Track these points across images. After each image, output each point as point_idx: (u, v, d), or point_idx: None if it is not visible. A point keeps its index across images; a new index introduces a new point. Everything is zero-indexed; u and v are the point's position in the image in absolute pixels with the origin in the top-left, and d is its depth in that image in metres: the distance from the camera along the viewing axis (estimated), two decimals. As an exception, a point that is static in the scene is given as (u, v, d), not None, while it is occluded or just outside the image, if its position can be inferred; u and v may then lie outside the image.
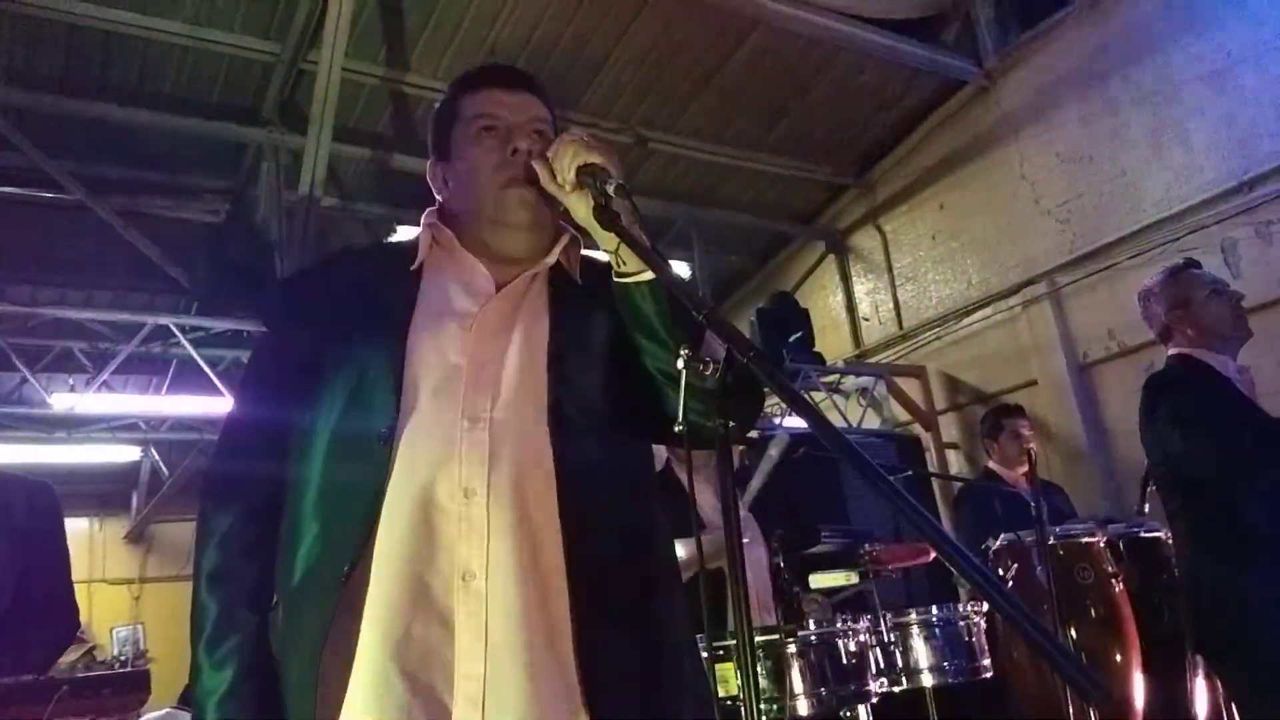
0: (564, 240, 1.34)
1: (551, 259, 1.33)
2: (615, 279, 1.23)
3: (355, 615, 1.11)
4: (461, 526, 1.13)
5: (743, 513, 3.12)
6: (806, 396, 7.31)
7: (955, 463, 7.06)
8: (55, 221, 5.82)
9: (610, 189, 1.15)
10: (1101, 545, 3.30)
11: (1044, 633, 0.71)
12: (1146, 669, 3.08)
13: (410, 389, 1.18)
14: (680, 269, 7.62)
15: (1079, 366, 6.19)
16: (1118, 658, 3.10)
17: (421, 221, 1.35)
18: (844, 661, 2.63)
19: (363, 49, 5.57)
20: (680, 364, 1.03)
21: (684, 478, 2.36)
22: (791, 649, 2.61)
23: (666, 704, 1.16)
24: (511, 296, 1.28)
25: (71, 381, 5.15)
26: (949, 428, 7.16)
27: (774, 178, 7.56)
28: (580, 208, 1.21)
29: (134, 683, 1.98)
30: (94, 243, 5.73)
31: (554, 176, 1.23)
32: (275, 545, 1.21)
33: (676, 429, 1.04)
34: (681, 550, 1.38)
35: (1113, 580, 3.22)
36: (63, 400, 4.72)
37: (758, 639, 2.73)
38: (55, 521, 2.31)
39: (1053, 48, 6.36)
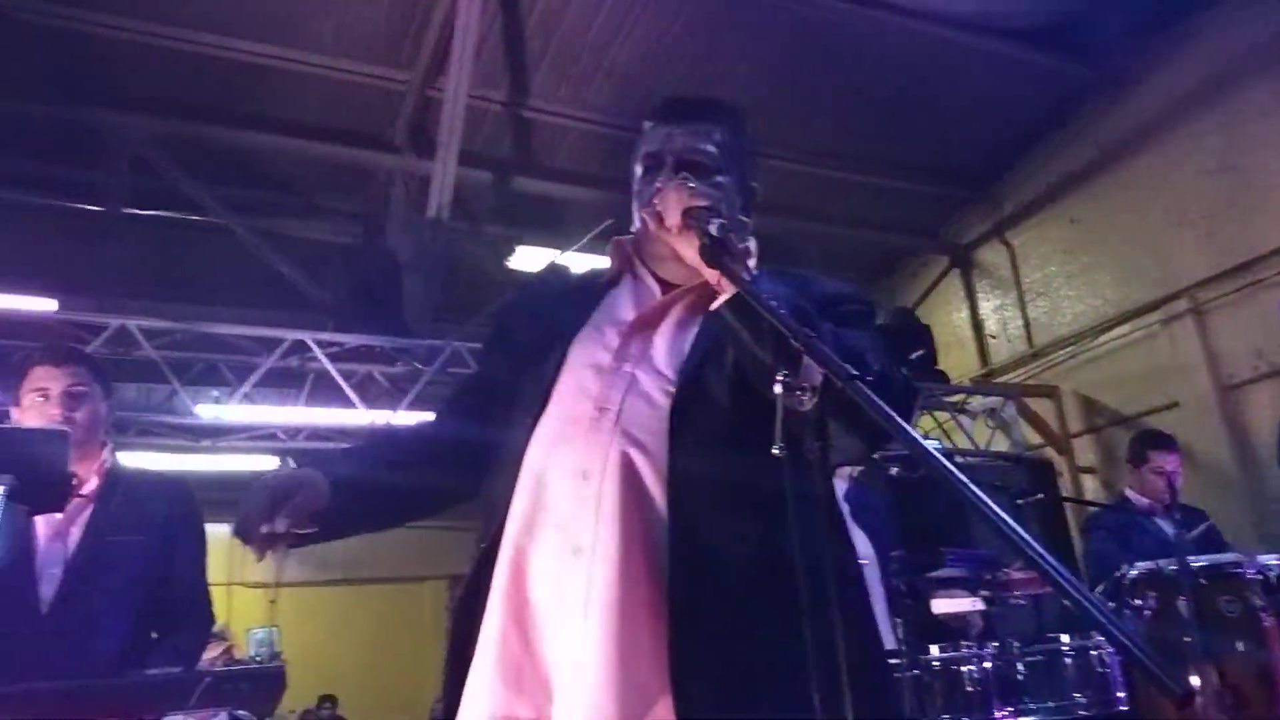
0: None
1: (702, 279, 1.37)
2: (720, 307, 1.27)
3: (489, 579, 1.22)
4: (576, 505, 1.21)
5: (858, 532, 3.07)
6: (929, 418, 7.13)
7: (1091, 488, 6.74)
8: (202, 243, 6.23)
9: (713, 229, 1.21)
10: (1250, 576, 3.08)
11: (1147, 653, 0.69)
12: (1300, 709, 2.86)
13: (561, 382, 1.30)
14: (797, 286, 7.52)
15: (1224, 387, 5.83)
16: (1265, 694, 2.89)
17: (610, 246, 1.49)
18: (967, 689, 2.55)
19: (486, 76, 5.76)
20: (777, 389, 1.04)
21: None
22: (912, 674, 2.55)
23: (763, 706, 1.15)
24: (666, 308, 1.37)
25: (216, 394, 5.48)
26: (1084, 451, 6.85)
27: (893, 191, 7.43)
28: (687, 249, 1.27)
29: (271, 678, 2.07)
30: (238, 263, 6.10)
31: (663, 222, 1.29)
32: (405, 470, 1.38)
33: (774, 451, 1.04)
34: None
35: (1261, 614, 3.01)
36: (208, 411, 5.02)
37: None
38: (193, 519, 2.39)
39: (1192, 52, 6.03)
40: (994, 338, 7.65)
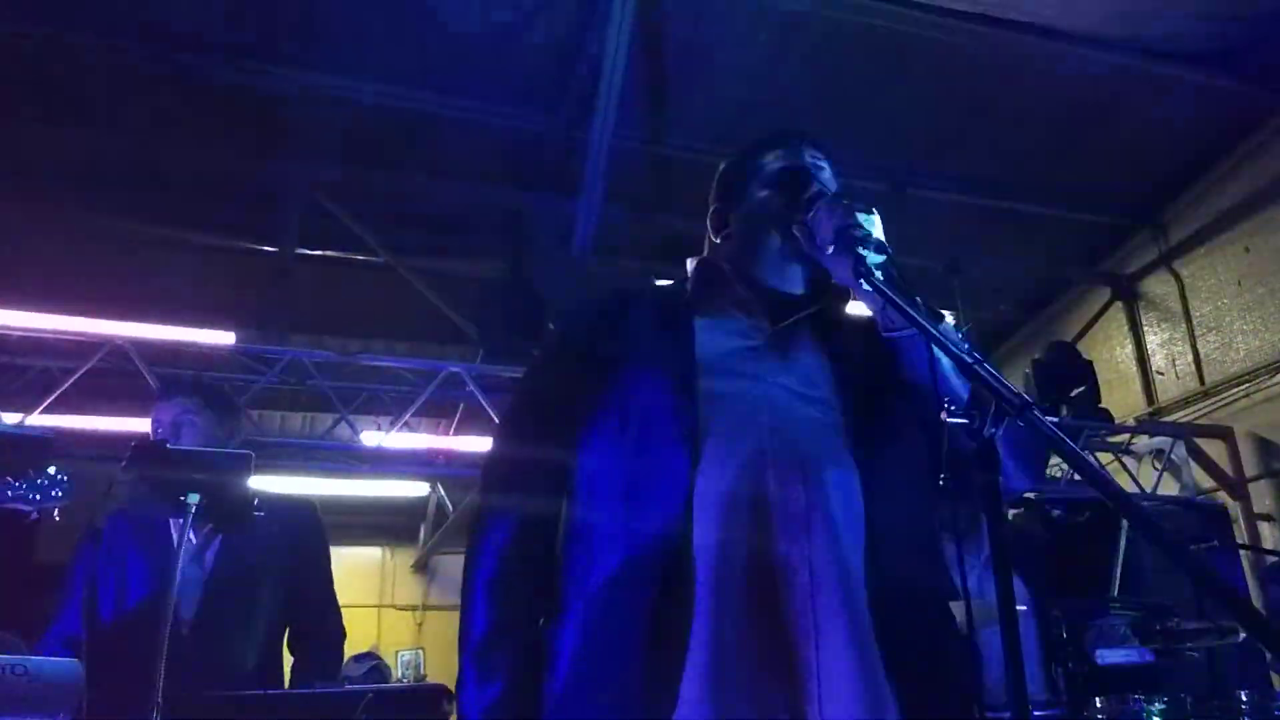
0: (833, 291, 1.40)
1: (820, 305, 1.39)
2: (884, 334, 1.28)
3: (682, 612, 1.14)
4: (781, 532, 1.18)
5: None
6: (1089, 457, 6.75)
7: (1269, 536, 6.22)
8: (366, 280, 6.60)
9: (870, 250, 1.18)
10: None
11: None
12: None
13: (713, 406, 1.25)
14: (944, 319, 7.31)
15: None
16: None
17: (691, 264, 1.46)
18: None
19: (629, 116, 5.90)
20: (944, 416, 1.02)
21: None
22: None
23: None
24: (787, 334, 1.36)
25: (378, 422, 5.79)
26: (1262, 496, 6.33)
27: (1049, 221, 7.14)
28: (840, 268, 1.26)
29: (430, 697, 2.14)
30: (397, 299, 6.43)
31: (814, 238, 1.28)
32: (549, 560, 1.27)
33: (940, 482, 1.03)
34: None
35: None
36: (372, 439, 5.30)
37: (1036, 713, 2.55)
38: (320, 539, 2.51)
39: (1379, 71, 5.58)
40: (1161, 374, 7.19)
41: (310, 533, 2.47)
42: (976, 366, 0.99)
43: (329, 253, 6.33)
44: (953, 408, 1.02)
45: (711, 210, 1.51)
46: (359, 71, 5.51)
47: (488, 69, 5.62)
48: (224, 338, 5.10)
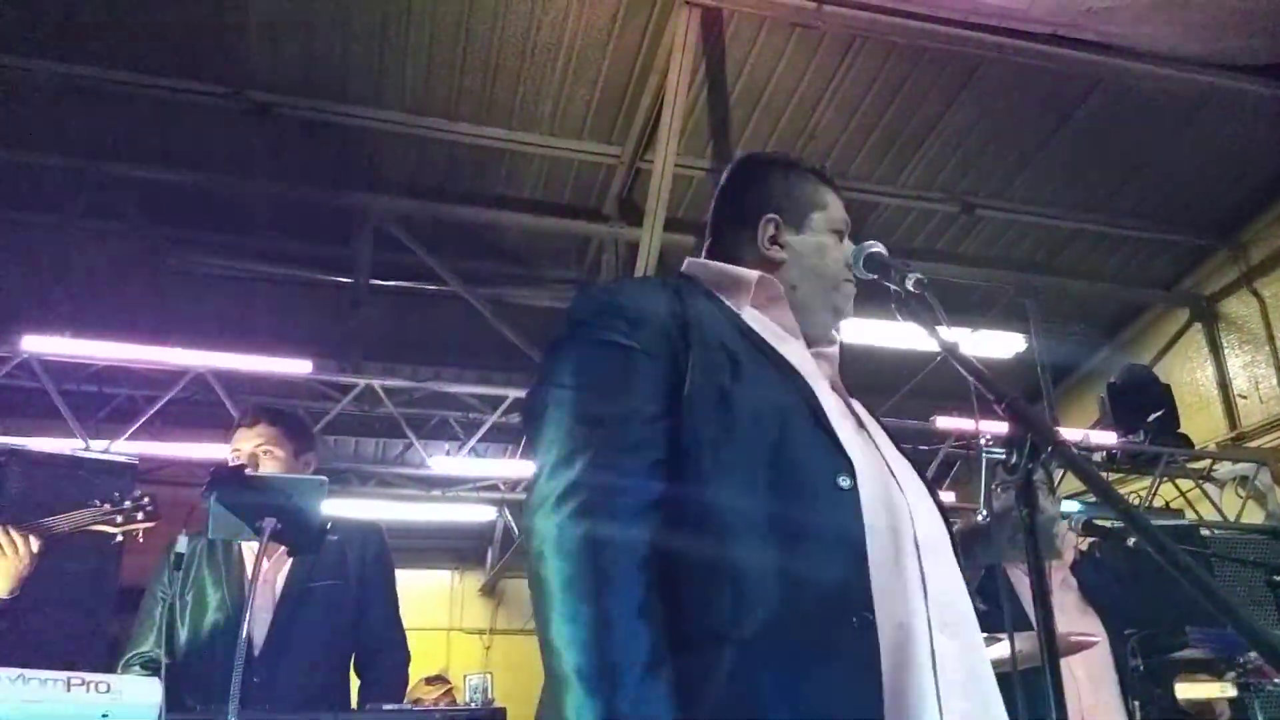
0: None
1: (837, 343, 1.44)
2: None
3: (889, 667, 1.06)
4: (927, 568, 1.14)
5: (1088, 610, 2.86)
6: (1171, 485, 6.53)
7: (1366, 567, 5.92)
8: (436, 310, 6.76)
9: (909, 284, 1.22)
10: None
11: None
12: None
13: (843, 439, 1.18)
14: (1014, 342, 7.18)
15: None
16: None
17: (742, 273, 1.38)
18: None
19: (692, 145, 5.97)
20: (982, 452, 1.04)
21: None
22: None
23: None
24: (828, 367, 1.39)
25: (447, 447, 5.91)
26: (1355, 525, 6.05)
27: (1124, 241, 6.99)
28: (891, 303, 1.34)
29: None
30: (467, 327, 6.57)
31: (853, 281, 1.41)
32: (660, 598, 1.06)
33: (980, 517, 1.04)
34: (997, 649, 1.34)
35: None
36: (440, 464, 5.42)
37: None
38: (385, 563, 2.55)
39: None
40: (1244, 398, 6.94)
41: (377, 556, 2.53)
42: (1010, 401, 1.00)
43: (401, 283, 6.50)
44: (987, 441, 1.03)
45: (766, 216, 1.43)
46: (433, 109, 5.68)
47: (554, 104, 5.76)
48: (301, 366, 5.27)
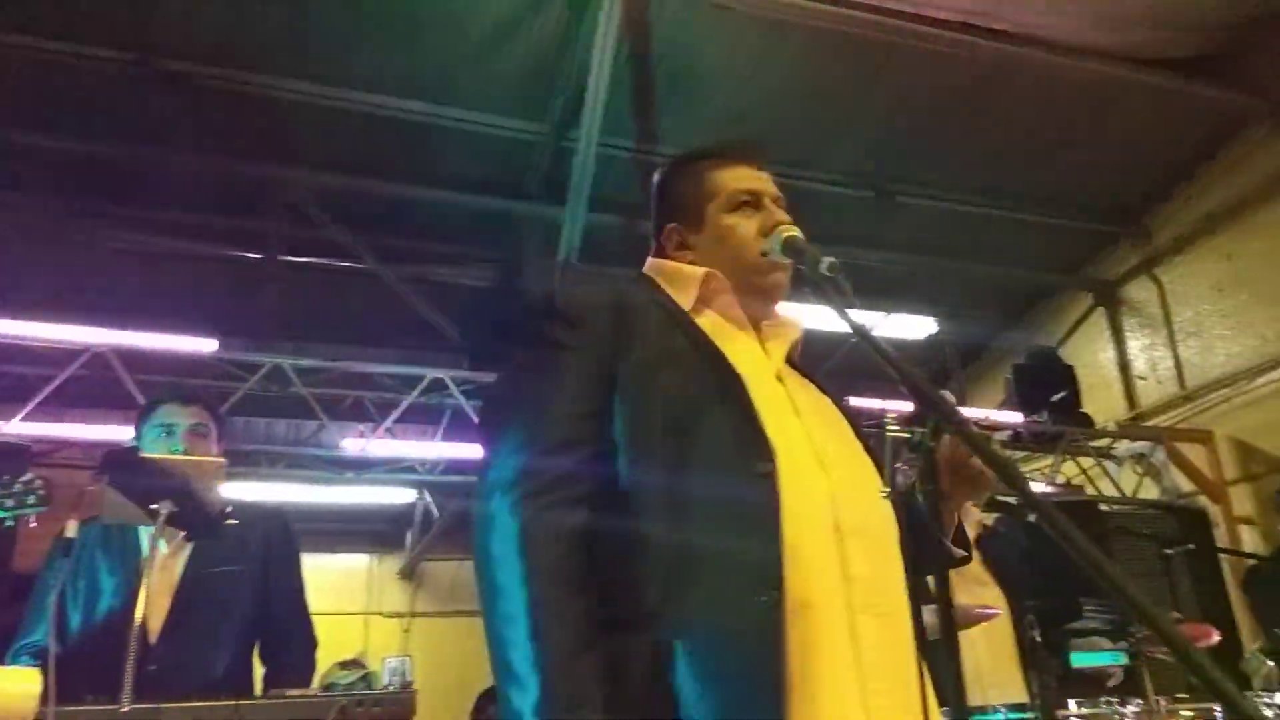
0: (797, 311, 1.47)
1: (799, 330, 1.45)
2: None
3: (784, 655, 1.09)
4: (855, 562, 1.17)
5: (983, 578, 2.96)
6: (1073, 463, 6.79)
7: (1250, 540, 6.26)
8: (350, 287, 6.60)
9: (823, 268, 1.24)
10: None
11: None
12: None
13: (769, 426, 1.22)
14: (927, 325, 7.36)
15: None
16: None
17: (685, 270, 1.43)
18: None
19: (616, 124, 5.92)
20: (886, 430, 1.06)
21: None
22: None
23: None
24: (783, 352, 1.40)
25: (361, 429, 5.79)
26: (1242, 500, 6.38)
27: (1034, 227, 7.19)
28: (783, 281, 1.40)
29: (402, 702, 2.15)
30: (384, 306, 6.44)
31: (773, 257, 1.37)
32: (591, 589, 1.15)
33: (881, 493, 1.07)
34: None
35: None
36: (353, 445, 5.30)
37: (1013, 716, 2.57)
38: (292, 546, 2.51)
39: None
40: (1142, 379, 7.25)
41: (282, 541, 2.47)
42: (917, 379, 1.02)
43: (315, 259, 6.33)
44: (889, 420, 1.05)
45: (668, 227, 1.51)
46: (352, 80, 5.52)
47: (477, 79, 5.65)
48: (206, 344, 5.09)
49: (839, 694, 1.09)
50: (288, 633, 2.45)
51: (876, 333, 1.19)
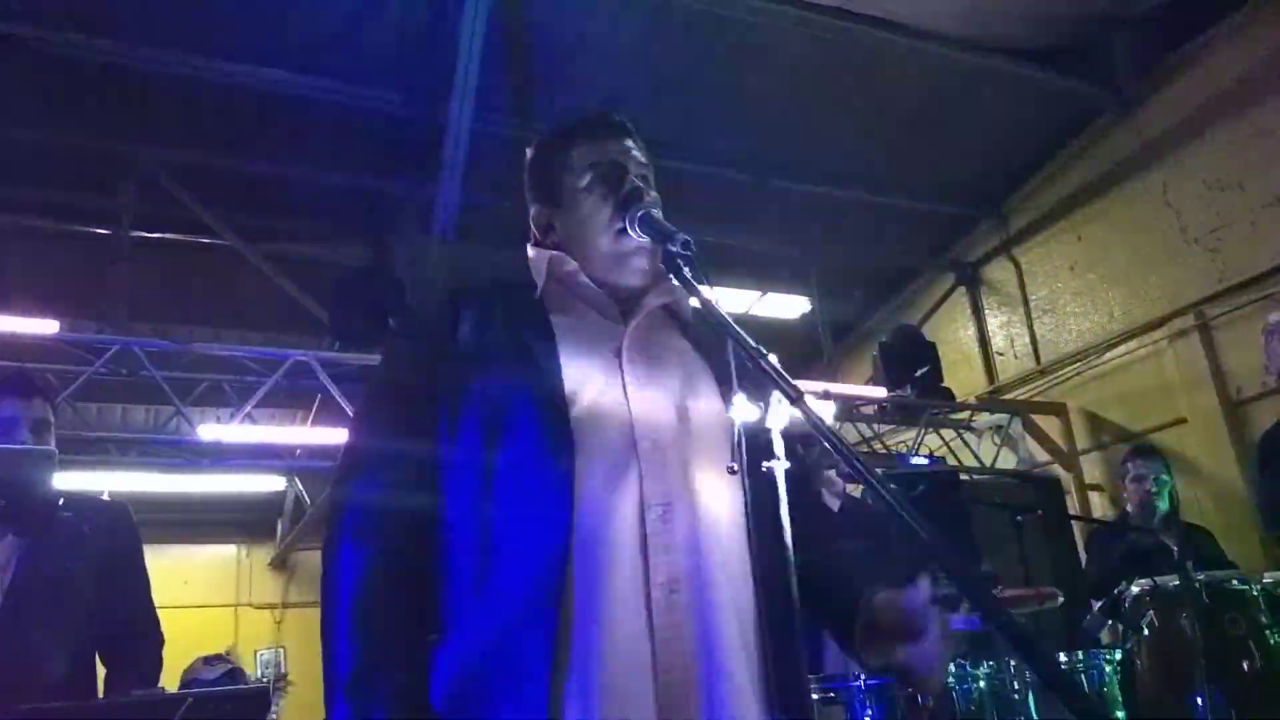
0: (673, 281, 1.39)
1: (667, 297, 1.40)
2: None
3: (571, 638, 1.11)
4: (660, 541, 1.16)
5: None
6: (935, 435, 7.07)
7: (1099, 505, 6.68)
8: (211, 266, 6.30)
9: (676, 244, 1.21)
10: (1255, 593, 3.05)
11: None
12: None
13: (580, 417, 1.20)
14: (800, 304, 7.56)
15: (1231, 403, 5.79)
16: (1273, 714, 2.86)
17: (536, 256, 1.41)
18: (960, 707, 2.54)
19: (492, 101, 5.80)
20: (729, 409, 1.07)
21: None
22: (905, 693, 2.53)
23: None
24: (644, 328, 1.36)
25: (218, 414, 5.53)
26: (1092, 468, 6.80)
27: (901, 211, 7.44)
28: (643, 261, 1.34)
29: (254, 699, 2.09)
30: (247, 286, 6.16)
31: (629, 233, 1.32)
32: (421, 581, 1.20)
33: (728, 468, 1.08)
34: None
35: (1267, 631, 2.97)
36: (209, 431, 5.05)
37: (867, 684, 2.65)
38: (134, 543, 2.39)
39: (1198, 72, 6.05)
40: (1001, 355, 7.62)
41: (123, 536, 2.34)
42: (761, 356, 1.02)
43: (171, 236, 6.00)
44: (739, 396, 1.06)
45: (533, 212, 1.48)
46: (208, 48, 5.22)
47: (345, 50, 5.43)
48: (46, 326, 4.76)
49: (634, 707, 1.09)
50: (131, 631, 2.33)
51: (753, 312, 1.19)
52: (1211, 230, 5.93)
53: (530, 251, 1.44)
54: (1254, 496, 2.51)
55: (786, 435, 1.34)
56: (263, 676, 7.65)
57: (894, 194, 7.22)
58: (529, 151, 1.55)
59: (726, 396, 1.25)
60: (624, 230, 1.34)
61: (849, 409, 6.69)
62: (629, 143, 1.45)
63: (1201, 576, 3.09)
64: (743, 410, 1.08)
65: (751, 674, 1.15)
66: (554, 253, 1.39)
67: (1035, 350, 7.26)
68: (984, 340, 7.76)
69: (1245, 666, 2.94)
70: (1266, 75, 5.59)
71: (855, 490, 3.74)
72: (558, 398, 1.21)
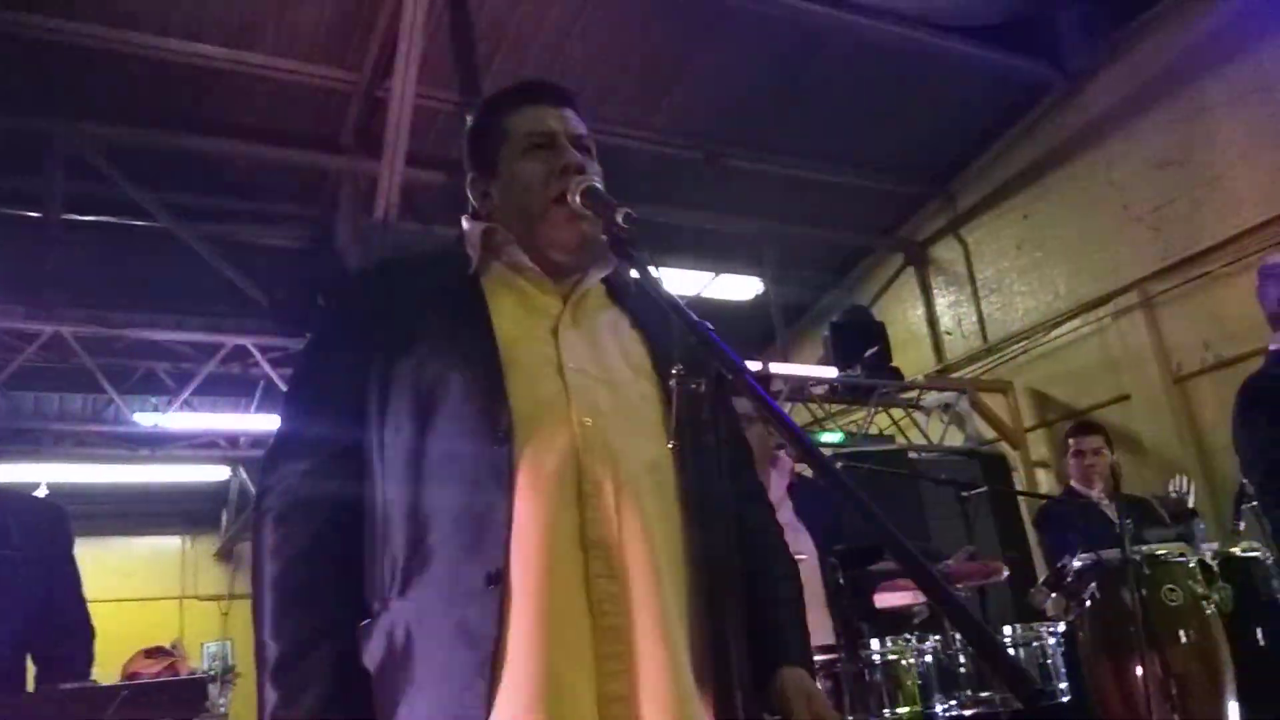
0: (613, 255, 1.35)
1: (606, 270, 1.35)
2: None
3: (506, 618, 1.09)
4: (598, 518, 1.14)
5: (801, 530, 3.05)
6: (885, 414, 7.14)
7: (1045, 482, 6.80)
8: (145, 249, 6.09)
9: (619, 218, 1.16)
10: (1192, 565, 3.11)
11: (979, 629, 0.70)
12: (1241, 695, 2.89)
13: (517, 395, 1.18)
14: (753, 285, 7.56)
15: (1173, 379, 5.91)
16: (1209, 683, 2.91)
17: (470, 228, 1.36)
18: (908, 682, 2.55)
19: (435, 76, 5.69)
20: (672, 382, 1.04)
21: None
22: (853, 669, 2.54)
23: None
24: (581, 303, 1.32)
25: (155, 401, 5.36)
26: (1038, 445, 6.92)
27: (852, 191, 7.47)
28: (587, 232, 1.28)
29: (191, 690, 2.04)
30: (183, 269, 5.97)
31: (567, 204, 1.27)
32: (349, 564, 1.19)
33: (669, 445, 1.05)
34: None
35: (1204, 602, 3.03)
36: (146, 419, 4.90)
37: (816, 659, 2.65)
38: (65, 540, 2.34)
39: (1140, 51, 6.14)
40: (949, 334, 7.71)
41: (54, 532, 2.28)
42: (704, 330, 0.99)
43: (103, 218, 5.79)
44: (678, 371, 1.03)
45: (469, 179, 1.43)
46: (137, 22, 5.04)
47: (281, 23, 5.28)
48: (-31, 311, 4.58)
49: (573, 674, 1.08)
50: (61, 625, 2.27)
51: (705, 294, 1.16)
52: (1154, 208, 6.03)
53: (465, 223, 1.40)
54: (1236, 450, 2.59)
55: (729, 411, 1.32)
56: (210, 670, 7.52)
57: (845, 173, 7.24)
58: (468, 119, 1.51)
59: (666, 372, 1.20)
60: (562, 201, 1.29)
61: (800, 389, 6.71)
62: (569, 112, 1.40)
63: (1141, 549, 3.13)
64: (683, 385, 1.04)
65: (691, 651, 1.14)
66: (488, 224, 1.35)
67: (983, 329, 7.35)
68: (932, 320, 7.84)
69: (1183, 637, 3.00)
70: (1207, 53, 5.68)
71: (803, 469, 3.74)
72: (492, 378, 1.17)
